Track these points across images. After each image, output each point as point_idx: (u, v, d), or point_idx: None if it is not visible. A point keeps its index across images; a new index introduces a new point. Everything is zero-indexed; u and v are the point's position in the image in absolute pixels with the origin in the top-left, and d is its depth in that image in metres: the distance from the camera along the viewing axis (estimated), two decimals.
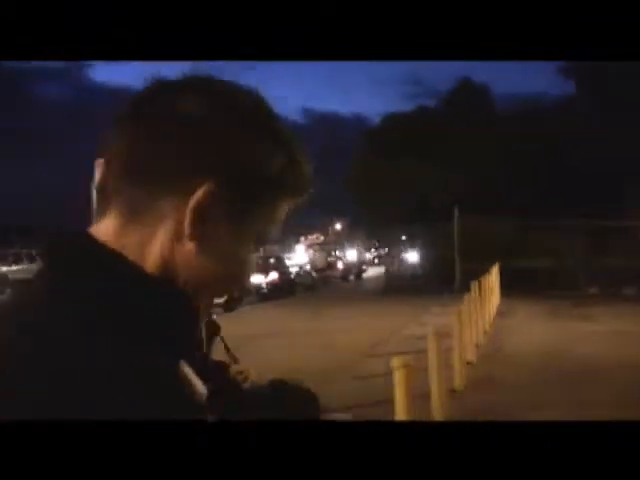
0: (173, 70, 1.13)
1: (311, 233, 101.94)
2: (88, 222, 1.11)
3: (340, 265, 50.50)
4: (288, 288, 37.42)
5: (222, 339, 1.77)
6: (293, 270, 42.28)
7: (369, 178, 35.52)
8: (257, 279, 35.34)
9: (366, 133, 46.47)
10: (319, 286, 46.04)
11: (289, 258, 53.47)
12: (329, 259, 51.15)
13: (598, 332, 17.54)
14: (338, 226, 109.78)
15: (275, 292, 35.61)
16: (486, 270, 25.02)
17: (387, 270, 48.06)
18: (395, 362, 6.69)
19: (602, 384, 11.28)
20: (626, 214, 31.48)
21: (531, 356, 14.04)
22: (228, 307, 28.56)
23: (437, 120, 38.38)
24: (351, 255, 69.91)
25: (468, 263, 26.30)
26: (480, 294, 18.62)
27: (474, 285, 17.74)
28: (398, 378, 6.59)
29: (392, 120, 42.57)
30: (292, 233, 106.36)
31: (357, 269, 54.16)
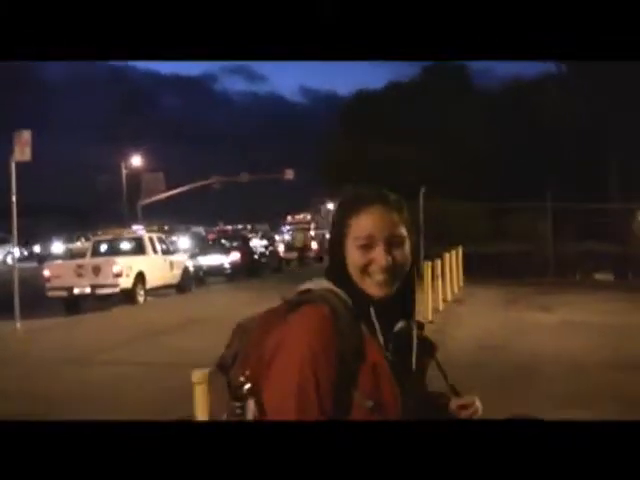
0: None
1: (298, 213, 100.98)
2: None
3: (314, 245, 49.70)
4: (251, 269, 36.62)
5: (437, 364, 2.23)
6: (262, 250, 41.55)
7: (338, 160, 34.26)
8: (219, 259, 35.16)
9: (338, 113, 45.12)
10: (295, 266, 45.70)
11: (271, 237, 52.75)
12: (307, 238, 50.47)
13: (551, 323, 16.57)
14: (330, 206, 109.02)
15: (238, 273, 35.12)
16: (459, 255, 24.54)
17: None
18: (195, 377, 5.43)
19: (533, 385, 10.41)
20: (609, 197, 30.53)
21: (469, 353, 12.90)
22: (179, 288, 27.61)
23: (408, 98, 37.18)
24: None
25: (434, 247, 25.01)
26: (433, 279, 17.96)
27: (426, 268, 16.94)
28: (197, 394, 5.34)
29: (362, 99, 41.42)
30: (283, 213, 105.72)
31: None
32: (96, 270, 23.75)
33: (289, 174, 62.28)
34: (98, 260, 24.79)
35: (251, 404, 2.00)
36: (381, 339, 2.08)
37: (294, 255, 48.05)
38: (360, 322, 2.06)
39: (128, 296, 24.06)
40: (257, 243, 44.68)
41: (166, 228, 59.83)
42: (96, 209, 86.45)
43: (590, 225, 28.81)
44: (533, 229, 28.69)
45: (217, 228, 65.45)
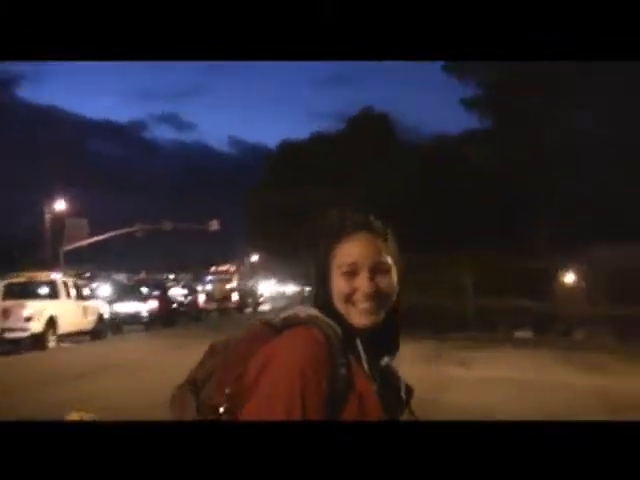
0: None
1: (224, 264, 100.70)
2: None
3: (235, 297, 49.94)
4: (169, 318, 36.31)
5: (410, 409, 2.19)
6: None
7: (262, 208, 33.98)
8: (136, 307, 34.63)
9: (263, 162, 44.94)
10: (214, 316, 45.91)
11: (191, 287, 52.54)
12: (227, 290, 50.82)
13: (467, 379, 16.20)
14: (254, 258, 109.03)
15: (155, 321, 34.74)
16: None
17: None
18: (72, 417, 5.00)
19: None
20: (535, 254, 30.57)
21: None
22: (94, 335, 26.85)
23: (335, 146, 37.05)
24: (266, 288, 69.27)
25: None
26: None
27: None
28: None
29: (288, 147, 41.29)
30: (207, 263, 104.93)
31: (254, 301, 54.02)
32: (6, 313, 22.94)
33: (214, 225, 61.73)
34: (8, 303, 23.90)
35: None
36: (368, 371, 2.03)
37: (214, 306, 48.22)
38: (347, 351, 1.99)
39: (38, 341, 23.13)
40: (177, 292, 44.37)
41: (87, 275, 58.60)
42: (17, 254, 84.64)
43: (512, 281, 28.73)
44: (453, 283, 28.45)
45: (136, 277, 64.62)
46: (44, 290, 26.09)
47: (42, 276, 27.23)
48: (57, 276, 27.32)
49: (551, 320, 29.03)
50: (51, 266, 51.63)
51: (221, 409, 1.94)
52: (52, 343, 23.92)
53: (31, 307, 23.30)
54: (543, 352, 21.78)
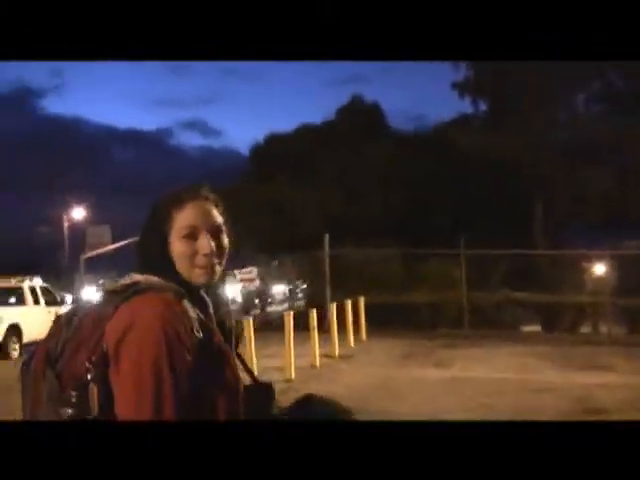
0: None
1: (246, 266, 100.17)
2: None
3: (239, 299, 48.84)
4: None
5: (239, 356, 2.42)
6: None
7: (241, 202, 32.38)
8: None
9: (251, 152, 43.43)
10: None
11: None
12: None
13: (438, 380, 14.95)
14: (275, 262, 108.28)
15: None
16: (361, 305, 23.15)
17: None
18: None
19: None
20: (533, 243, 29.10)
21: None
22: None
23: (319, 140, 35.61)
24: (278, 291, 68.72)
25: (341, 296, 23.22)
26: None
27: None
28: None
29: (271, 140, 39.99)
30: (231, 267, 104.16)
31: (261, 303, 52.90)
32: None
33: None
34: None
35: (94, 391, 1.97)
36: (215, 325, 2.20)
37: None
38: (196, 310, 2.12)
39: None
40: None
41: (101, 282, 57.69)
42: (34, 263, 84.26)
43: (511, 273, 27.14)
44: (447, 277, 26.71)
45: None
46: (9, 297, 24.74)
47: (9, 282, 25.85)
48: (27, 282, 25.83)
49: (556, 314, 27.23)
50: (70, 273, 51.30)
51: (88, 376, 1.96)
52: (15, 352, 22.42)
53: None
54: (539, 349, 20.15)
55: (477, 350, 19.82)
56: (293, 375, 14.56)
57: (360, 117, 36.57)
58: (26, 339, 22.98)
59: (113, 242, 56.17)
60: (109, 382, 1.96)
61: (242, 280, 60.41)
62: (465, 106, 36.09)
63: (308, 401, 2.44)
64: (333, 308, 20.02)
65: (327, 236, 25.56)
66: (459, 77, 35.36)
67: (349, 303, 22.12)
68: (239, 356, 2.37)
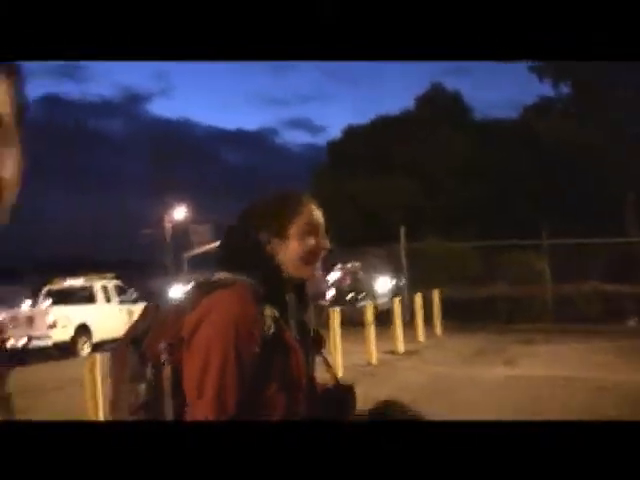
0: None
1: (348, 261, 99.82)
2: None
3: (331, 292, 47.83)
4: None
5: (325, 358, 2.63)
6: None
7: (321, 194, 31.89)
8: None
9: (328, 146, 42.79)
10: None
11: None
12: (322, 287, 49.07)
13: (500, 379, 13.90)
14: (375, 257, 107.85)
15: None
16: (441, 299, 22.40)
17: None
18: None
19: None
20: (625, 231, 27.52)
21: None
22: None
23: (399, 130, 34.74)
24: (382, 285, 67.31)
25: (420, 290, 22.42)
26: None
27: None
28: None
29: (351, 131, 39.29)
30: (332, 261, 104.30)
31: (355, 296, 51.45)
32: (30, 321, 21.57)
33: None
34: (34, 310, 22.69)
35: (168, 370, 2.16)
36: (293, 325, 2.35)
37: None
38: (274, 307, 2.24)
39: (67, 349, 21.52)
40: None
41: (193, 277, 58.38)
42: (140, 263, 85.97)
43: (601, 263, 25.61)
44: (530, 269, 25.45)
45: None
46: (80, 295, 24.70)
47: (81, 281, 25.87)
48: (96, 281, 25.76)
49: None
50: (174, 272, 52.04)
51: (162, 357, 2.16)
52: (84, 351, 22.30)
53: (55, 314, 21.76)
54: (624, 345, 18.29)
55: (554, 347, 18.62)
56: (340, 373, 13.82)
57: (439, 106, 35.59)
58: (97, 338, 22.97)
59: (215, 241, 56.81)
60: (181, 366, 2.16)
61: (344, 274, 59.78)
62: (546, 89, 34.70)
63: (385, 406, 2.48)
64: (397, 303, 19.27)
65: (403, 229, 24.83)
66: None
67: (419, 296, 21.44)
68: (325, 358, 2.56)
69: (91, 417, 8.62)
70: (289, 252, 2.36)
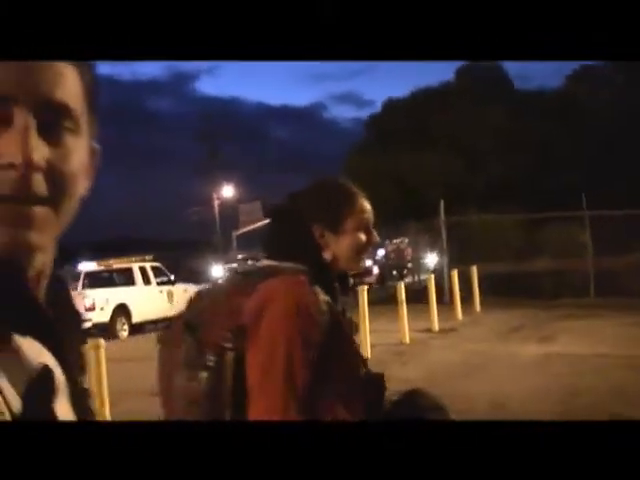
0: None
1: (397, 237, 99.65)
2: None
3: (375, 270, 47.26)
4: None
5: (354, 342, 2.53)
6: None
7: (360, 170, 31.48)
8: None
9: (367, 120, 42.28)
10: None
11: None
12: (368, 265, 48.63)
13: (536, 357, 13.50)
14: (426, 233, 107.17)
15: None
16: (483, 275, 22.16)
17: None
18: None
19: None
20: None
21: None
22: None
23: (439, 103, 34.34)
24: (428, 261, 66.77)
25: (459, 265, 22.14)
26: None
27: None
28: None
29: (390, 105, 38.65)
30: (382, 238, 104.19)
31: (399, 273, 50.79)
32: None
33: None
34: (73, 294, 22.68)
35: (230, 358, 2.14)
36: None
37: (350, 282, 46.01)
38: (327, 294, 2.26)
39: (105, 331, 21.45)
40: None
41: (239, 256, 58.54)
42: (189, 241, 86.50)
43: None
44: (571, 241, 24.94)
45: None
46: (119, 277, 25.00)
47: (119, 263, 26.10)
48: (135, 263, 25.97)
49: None
50: (223, 250, 52.40)
51: (228, 345, 2.14)
52: (123, 332, 22.52)
53: (92, 296, 21.90)
54: None
55: (593, 322, 18.08)
56: (369, 354, 13.62)
57: (479, 78, 34.99)
58: (136, 319, 23.09)
59: (264, 219, 56.81)
60: (244, 352, 2.13)
61: (391, 251, 59.51)
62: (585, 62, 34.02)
63: (412, 397, 2.45)
64: (431, 280, 18.98)
65: (442, 202, 24.47)
66: None
67: (455, 273, 21.10)
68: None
69: (96, 402, 8.47)
70: (342, 246, 2.41)
